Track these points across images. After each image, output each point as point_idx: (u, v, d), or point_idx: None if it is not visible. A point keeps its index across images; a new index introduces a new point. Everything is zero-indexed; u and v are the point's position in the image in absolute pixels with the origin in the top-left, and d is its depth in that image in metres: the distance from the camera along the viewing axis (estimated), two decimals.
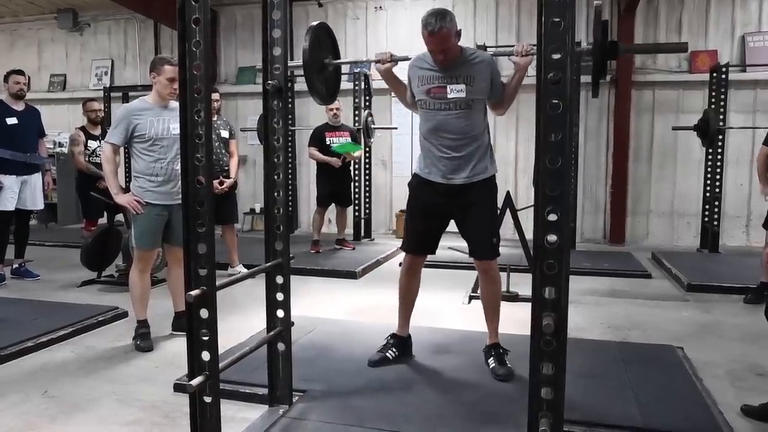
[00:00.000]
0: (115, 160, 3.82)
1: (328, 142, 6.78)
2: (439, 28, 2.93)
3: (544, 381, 1.83)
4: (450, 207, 3.23)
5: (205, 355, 2.08)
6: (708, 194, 7.36)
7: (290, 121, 8.64)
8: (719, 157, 7.22)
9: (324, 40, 3.00)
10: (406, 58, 3.23)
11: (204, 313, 2.07)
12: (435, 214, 3.27)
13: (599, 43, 2.11)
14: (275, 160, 2.64)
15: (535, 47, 2.78)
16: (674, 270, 5.90)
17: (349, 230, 7.76)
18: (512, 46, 3.09)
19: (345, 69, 8.69)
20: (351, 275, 5.93)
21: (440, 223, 3.32)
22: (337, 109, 6.78)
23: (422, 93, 3.17)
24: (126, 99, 8.67)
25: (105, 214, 5.93)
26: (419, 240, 3.33)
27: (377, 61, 3.22)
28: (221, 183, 5.45)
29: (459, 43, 3.09)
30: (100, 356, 3.67)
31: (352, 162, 7.13)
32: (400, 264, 3.42)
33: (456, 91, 3.07)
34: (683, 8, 7.97)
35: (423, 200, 3.27)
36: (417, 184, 3.30)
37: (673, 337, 4.00)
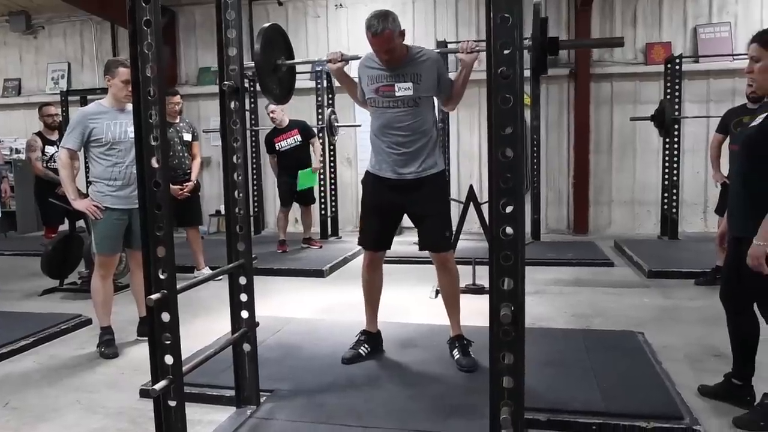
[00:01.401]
0: (73, 166, 3.76)
1: (277, 148, 6.77)
2: (381, 30, 2.97)
3: (504, 370, 1.86)
4: (402, 203, 3.28)
5: (168, 359, 2.07)
6: (666, 183, 7.55)
7: (253, 121, 8.60)
8: (676, 146, 7.42)
9: (277, 41, 3.00)
10: (356, 57, 3.28)
11: (165, 317, 2.06)
12: (388, 210, 3.32)
13: (538, 39, 2.15)
14: (235, 160, 2.63)
15: (480, 44, 2.84)
16: (635, 257, 6.04)
17: (316, 229, 7.74)
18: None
19: (307, 67, 8.70)
20: (318, 274, 5.93)
21: (394, 218, 3.37)
22: (272, 112, 6.73)
23: (371, 92, 3.20)
24: (84, 103, 8.48)
25: (65, 220, 5.83)
26: (375, 237, 3.37)
27: (328, 61, 3.25)
28: (183, 188, 5.38)
29: (405, 43, 3.13)
30: (64, 365, 3.60)
31: (313, 161, 7.07)
32: None
33: (403, 89, 3.12)
34: (638, 1, 8.14)
35: (376, 197, 3.31)
36: (369, 180, 3.34)
37: (634, 322, 4.10)
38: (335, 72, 3.32)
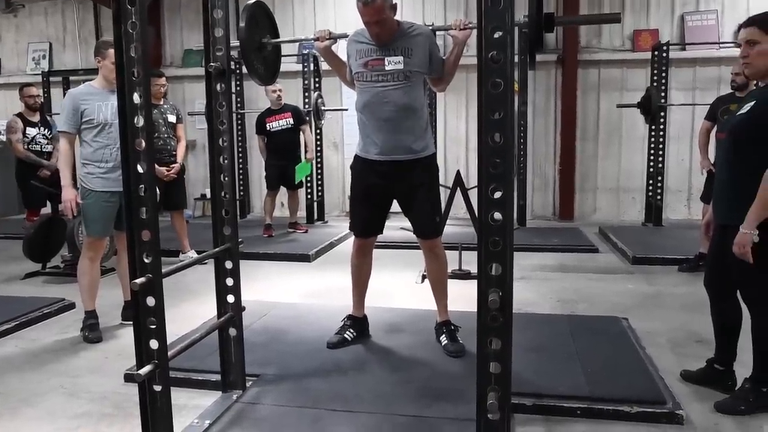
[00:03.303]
0: (72, 152, 3.70)
1: (268, 128, 6.70)
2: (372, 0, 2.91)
3: (492, 356, 1.87)
4: (392, 188, 3.23)
5: (153, 344, 2.05)
6: (651, 170, 7.59)
7: (239, 104, 8.51)
8: (661, 133, 7.46)
9: (262, 19, 2.94)
10: (344, 36, 3.21)
11: (150, 301, 2.03)
12: (378, 196, 3.27)
13: (534, 17, 2.12)
14: (221, 143, 2.60)
15: (473, 22, 2.79)
16: (620, 244, 6.09)
17: (302, 213, 7.71)
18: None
19: (293, 50, 8.61)
20: (305, 258, 5.92)
21: (383, 203, 3.33)
22: (280, 90, 6.69)
23: (360, 66, 3.12)
24: (67, 83, 8.38)
25: (48, 203, 5.75)
26: (364, 223, 3.35)
27: (316, 39, 3.18)
28: (169, 169, 5.34)
29: (396, 18, 3.07)
30: (47, 349, 3.57)
31: (302, 145, 7.06)
32: None
33: (394, 63, 3.04)
34: None
35: (366, 182, 3.26)
36: (358, 165, 3.29)
37: (618, 308, 4.14)
38: (323, 50, 3.23)
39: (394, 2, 3.01)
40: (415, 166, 3.16)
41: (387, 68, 3.05)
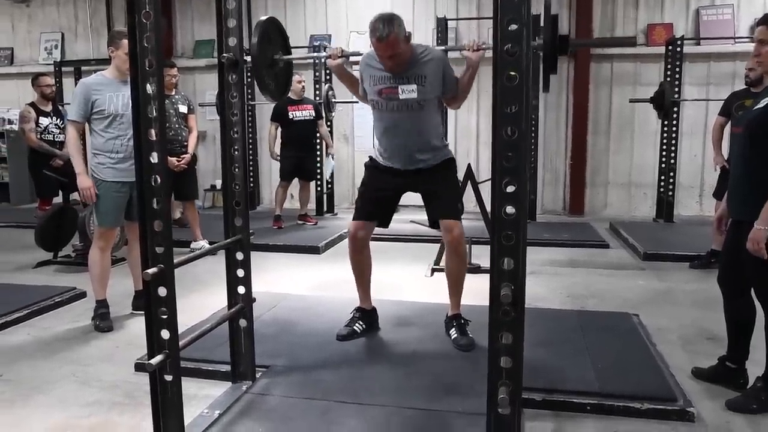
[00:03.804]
0: (80, 140, 3.72)
1: (291, 116, 6.68)
2: (387, 34, 2.91)
3: (503, 350, 1.86)
4: (413, 183, 3.27)
5: (165, 334, 2.06)
6: (663, 165, 7.53)
7: (249, 95, 8.51)
8: (674, 128, 7.39)
9: (274, 35, 2.94)
10: (357, 54, 3.23)
11: (162, 291, 2.04)
12: (391, 189, 3.30)
13: (549, 39, 2.10)
14: (233, 134, 2.60)
15: (486, 43, 2.79)
16: (631, 240, 6.05)
17: (312, 205, 7.72)
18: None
19: (305, 42, 8.60)
20: (314, 250, 5.92)
21: (394, 197, 3.34)
22: (304, 80, 6.73)
23: (374, 93, 3.15)
24: (78, 73, 8.41)
25: (60, 192, 5.79)
26: (369, 209, 3.32)
27: (328, 57, 3.19)
28: (180, 160, 5.35)
29: (410, 43, 3.07)
30: (58, 338, 3.59)
31: (315, 138, 7.09)
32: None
33: (408, 92, 3.06)
34: None
35: (381, 179, 3.29)
36: (375, 168, 3.32)
37: (629, 304, 4.12)
38: (335, 69, 3.24)
39: (407, 34, 3.01)
40: (436, 168, 3.23)
41: (401, 97, 3.08)
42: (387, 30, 2.90)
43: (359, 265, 3.38)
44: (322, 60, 7.75)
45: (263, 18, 2.85)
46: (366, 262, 3.40)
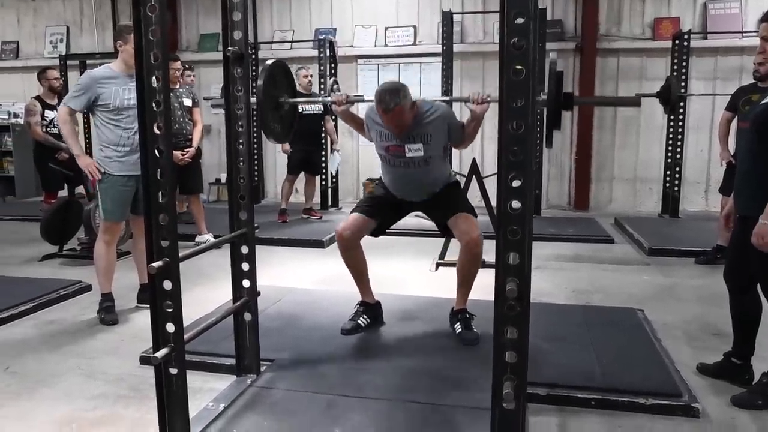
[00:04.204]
0: (73, 121, 3.73)
1: (300, 110, 6.66)
2: (394, 106, 2.96)
3: (508, 345, 1.86)
4: (419, 206, 3.37)
5: (170, 327, 2.06)
6: (669, 160, 7.50)
7: (253, 90, 8.50)
8: (680, 123, 7.35)
9: (280, 78, 2.97)
10: (361, 99, 3.31)
11: (167, 285, 2.04)
12: (398, 204, 3.37)
13: (554, 95, 2.11)
14: (237, 128, 2.60)
15: (491, 95, 2.84)
16: (636, 235, 6.03)
17: (317, 199, 7.72)
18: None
19: (310, 36, 8.59)
20: (318, 244, 5.93)
21: (397, 211, 3.40)
22: (311, 75, 6.70)
23: (381, 149, 3.25)
24: (83, 67, 8.39)
25: (65, 186, 5.80)
26: (370, 208, 3.34)
27: (333, 102, 3.23)
28: (184, 153, 5.35)
29: (415, 105, 3.11)
30: (64, 331, 3.61)
31: (321, 132, 7.10)
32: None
33: (414, 150, 3.14)
34: None
35: (388, 196, 3.37)
36: (383, 188, 3.40)
37: (634, 299, 4.11)
38: (341, 114, 3.32)
39: (413, 101, 3.05)
40: (439, 192, 3.33)
41: (407, 155, 3.16)
42: (393, 102, 2.96)
43: (352, 263, 3.36)
44: (329, 104, 7.77)
45: (269, 62, 2.90)
46: (358, 259, 3.36)
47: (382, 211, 3.35)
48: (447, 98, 3.38)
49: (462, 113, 3.45)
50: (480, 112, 3.03)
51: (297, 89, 6.71)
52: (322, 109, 6.74)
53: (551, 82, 2.14)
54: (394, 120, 3.03)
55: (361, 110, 3.46)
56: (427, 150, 3.14)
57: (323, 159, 7.64)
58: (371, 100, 3.17)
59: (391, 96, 2.96)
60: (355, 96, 3.28)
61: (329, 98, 3.31)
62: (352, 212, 3.38)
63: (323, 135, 7.24)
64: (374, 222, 3.32)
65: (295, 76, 6.75)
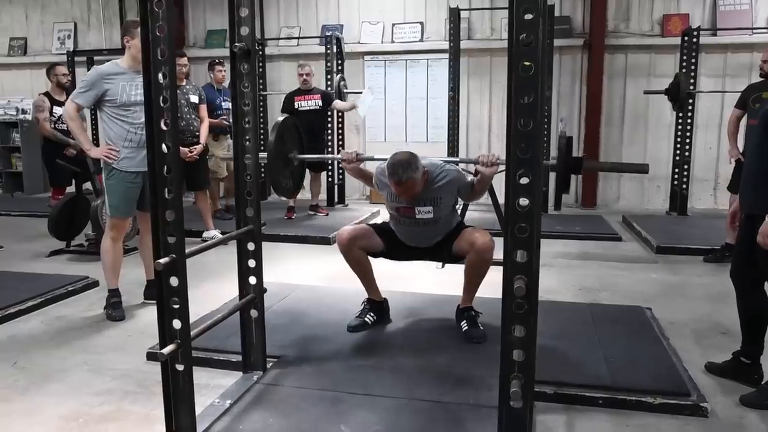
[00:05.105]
0: (80, 117, 3.74)
1: (296, 106, 6.67)
2: (406, 179, 2.98)
3: (516, 343, 1.85)
4: (424, 251, 3.39)
5: (176, 324, 2.06)
6: (678, 158, 7.45)
7: (261, 86, 8.50)
8: (689, 121, 7.30)
9: (290, 134, 2.99)
10: (371, 158, 3.34)
11: (174, 281, 2.04)
12: (406, 247, 3.39)
13: (564, 158, 2.10)
14: (244, 124, 2.59)
15: (499, 158, 2.82)
16: (644, 233, 6.00)
17: (323, 196, 7.71)
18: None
19: (316, 32, 8.57)
20: (325, 241, 5.92)
21: (405, 252, 3.40)
22: (307, 74, 6.66)
23: (391, 208, 3.30)
24: (91, 63, 8.42)
25: (72, 182, 5.81)
26: (381, 229, 3.39)
27: (343, 160, 3.25)
28: (191, 151, 5.34)
29: (426, 172, 3.11)
30: (71, 326, 3.62)
31: (325, 127, 7.08)
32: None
33: (424, 213, 3.17)
34: None
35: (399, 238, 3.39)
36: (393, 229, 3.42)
37: (641, 298, 4.09)
38: (351, 172, 3.33)
39: (424, 170, 3.05)
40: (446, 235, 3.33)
41: (417, 217, 3.19)
42: (405, 176, 2.97)
43: (354, 264, 3.37)
44: (340, 36, 7.78)
45: (279, 119, 2.93)
46: (359, 259, 3.35)
47: (391, 241, 3.35)
48: (456, 159, 3.42)
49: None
50: (489, 174, 3.01)
51: (298, 86, 6.76)
52: (321, 103, 6.70)
53: (561, 148, 2.13)
54: (406, 192, 3.07)
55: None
56: (437, 212, 3.18)
57: (327, 152, 7.61)
58: (382, 159, 3.19)
59: (404, 169, 2.96)
60: (366, 156, 3.32)
61: (338, 156, 3.34)
62: (366, 224, 3.45)
63: (325, 131, 7.19)
64: (381, 243, 3.34)
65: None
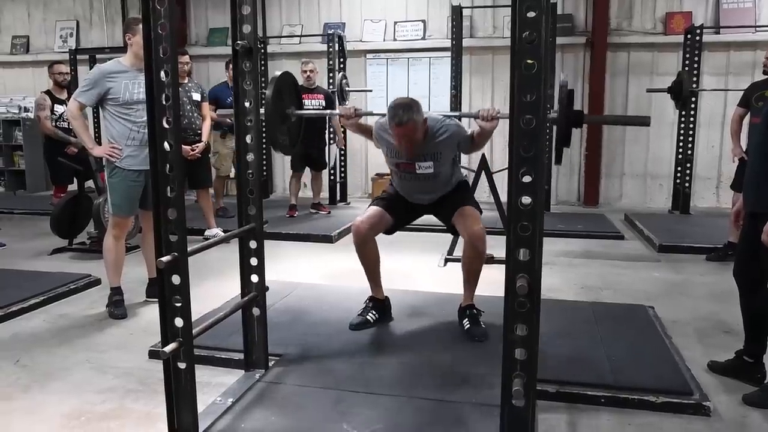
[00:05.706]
0: (83, 116, 3.74)
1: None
2: (407, 120, 2.97)
3: (518, 342, 1.85)
4: (429, 208, 3.42)
5: (178, 322, 2.06)
6: (680, 156, 7.43)
7: (263, 84, 8.50)
8: (692, 119, 7.28)
9: (287, 90, 2.96)
10: (369, 113, 3.35)
11: (176, 280, 2.04)
12: (412, 205, 3.41)
13: (564, 111, 2.09)
14: (246, 122, 2.59)
15: (501, 111, 2.84)
16: (646, 231, 5.99)
17: (325, 194, 7.71)
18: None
19: (318, 30, 8.56)
20: (327, 239, 5.92)
21: (410, 213, 3.44)
22: (311, 71, 6.64)
23: (391, 163, 3.32)
24: (93, 61, 8.43)
25: (75, 180, 5.81)
26: (389, 204, 3.37)
27: (341, 116, 3.26)
28: (193, 149, 5.35)
29: (426, 123, 3.11)
30: (73, 324, 3.62)
31: (326, 126, 7.06)
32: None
33: (424, 168, 3.18)
34: None
35: (401, 198, 3.41)
36: (394, 189, 3.45)
37: (644, 296, 4.08)
38: (350, 127, 3.36)
39: (424, 118, 3.05)
40: (449, 192, 3.37)
41: (418, 172, 3.21)
42: (406, 117, 2.96)
43: (366, 258, 3.36)
44: (342, 34, 7.76)
45: (276, 73, 2.88)
46: (372, 253, 3.37)
47: (398, 209, 3.37)
48: (456, 113, 3.40)
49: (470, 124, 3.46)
50: (489, 128, 3.01)
51: (301, 83, 6.75)
52: (324, 104, 6.70)
53: (562, 99, 2.12)
54: (406, 135, 3.04)
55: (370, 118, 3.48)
56: (437, 166, 3.19)
57: (326, 154, 7.59)
58: (380, 114, 3.19)
59: (405, 110, 2.96)
60: (364, 111, 3.36)
61: (337, 111, 3.33)
62: (369, 206, 3.40)
63: (326, 130, 7.19)
64: (391, 218, 3.34)
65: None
